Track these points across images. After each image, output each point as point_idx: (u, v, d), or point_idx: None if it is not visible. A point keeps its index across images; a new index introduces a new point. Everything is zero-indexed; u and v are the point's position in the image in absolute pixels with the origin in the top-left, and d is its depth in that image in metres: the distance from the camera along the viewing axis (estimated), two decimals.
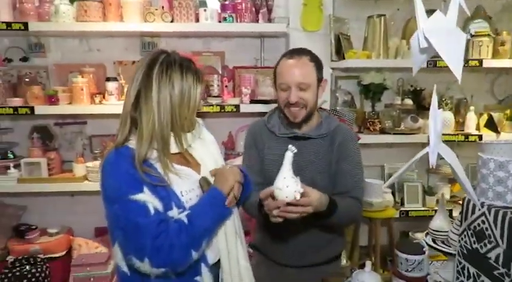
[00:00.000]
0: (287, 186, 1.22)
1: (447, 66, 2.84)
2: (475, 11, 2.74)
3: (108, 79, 2.37)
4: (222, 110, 2.40)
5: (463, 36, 1.03)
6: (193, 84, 1.15)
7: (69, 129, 2.66)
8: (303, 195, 1.23)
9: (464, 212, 1.10)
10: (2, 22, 2.19)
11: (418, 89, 2.76)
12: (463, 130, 2.70)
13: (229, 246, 1.22)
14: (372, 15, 2.57)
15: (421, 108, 2.76)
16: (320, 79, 1.51)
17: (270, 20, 2.44)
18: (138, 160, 1.09)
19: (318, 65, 1.50)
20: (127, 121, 1.15)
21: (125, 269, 1.15)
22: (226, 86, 2.52)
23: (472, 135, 2.63)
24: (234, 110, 2.41)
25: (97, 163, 2.42)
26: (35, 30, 2.24)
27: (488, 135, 2.63)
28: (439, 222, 1.41)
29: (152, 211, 1.06)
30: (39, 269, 2.29)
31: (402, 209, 2.68)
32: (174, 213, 1.12)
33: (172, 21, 2.34)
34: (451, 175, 2.78)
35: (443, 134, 2.61)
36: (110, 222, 1.12)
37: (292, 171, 1.24)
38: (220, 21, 2.38)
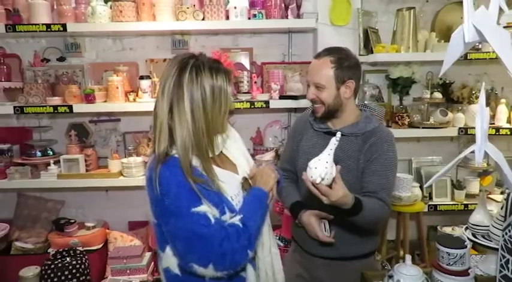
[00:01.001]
0: (315, 167, 1.25)
1: (478, 59, 2.80)
2: (508, 1, 2.68)
3: (141, 77, 2.44)
4: (252, 106, 2.44)
5: (506, 32, 1.04)
6: (224, 86, 1.16)
7: (103, 127, 2.75)
8: (330, 185, 1.26)
9: (510, 207, 1.12)
10: (42, 24, 2.28)
11: (447, 82, 2.73)
12: (493, 123, 2.67)
13: (264, 237, 1.29)
14: (401, 8, 2.55)
15: (451, 101, 2.74)
16: (343, 80, 1.51)
17: (299, 16, 2.46)
18: (186, 172, 1.11)
19: (343, 67, 1.49)
20: (163, 130, 1.14)
21: (177, 271, 1.18)
22: (255, 82, 2.56)
23: (503, 128, 2.60)
24: (264, 106, 2.45)
25: (131, 159, 2.51)
26: (73, 31, 2.32)
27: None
28: (479, 217, 1.42)
29: (213, 220, 1.10)
30: (79, 261, 2.39)
31: (431, 203, 2.68)
32: (226, 217, 1.16)
33: (203, 19, 2.38)
34: (479, 169, 2.77)
35: (471, 127, 2.62)
36: (166, 234, 1.14)
37: (332, 158, 1.26)
38: (249, 18, 2.41)
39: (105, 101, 2.47)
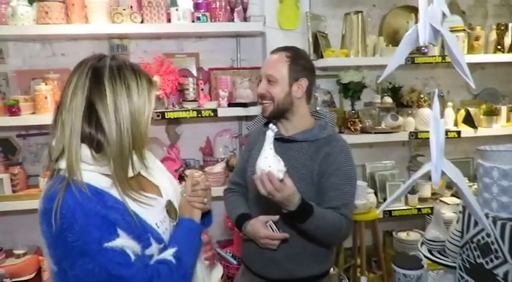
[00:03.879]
0: (269, 166, 1.17)
1: (424, 63, 2.82)
2: (448, 6, 2.73)
3: None
4: (199, 115, 2.28)
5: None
6: (149, 87, 1.01)
7: (33, 141, 2.46)
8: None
9: (466, 224, 1.05)
10: None
11: (396, 86, 2.73)
12: None
13: (197, 271, 1.13)
14: (349, 12, 2.52)
15: (400, 105, 2.74)
16: (296, 78, 1.45)
17: (245, 19, 2.34)
18: (121, 187, 0.94)
19: (298, 64, 1.47)
20: (73, 143, 0.92)
21: None
22: (202, 89, 2.40)
23: (450, 131, 2.63)
24: (212, 114, 2.29)
25: None
26: None
27: (466, 131, 2.64)
28: (434, 232, 1.36)
29: (133, 257, 0.91)
30: None
31: (385, 209, 2.66)
32: (153, 249, 0.98)
33: (142, 22, 2.19)
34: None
35: (421, 131, 2.64)
36: (74, 280, 0.91)
37: (274, 151, 1.19)
38: (193, 21, 2.26)
39: (33, 113, 2.20)
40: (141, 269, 0.92)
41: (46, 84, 2.20)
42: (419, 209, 2.63)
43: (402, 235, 2.70)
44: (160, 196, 1.10)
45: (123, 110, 0.95)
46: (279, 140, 1.46)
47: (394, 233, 2.74)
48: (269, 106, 1.48)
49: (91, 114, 0.94)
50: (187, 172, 2.38)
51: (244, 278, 1.59)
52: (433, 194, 2.74)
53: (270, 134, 1.20)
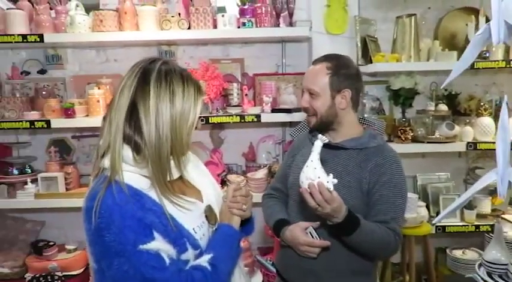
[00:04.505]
0: (318, 177, 1.14)
1: (485, 68, 2.62)
2: None
3: None
4: (242, 120, 2.27)
5: None
6: (195, 95, 1.00)
7: (86, 142, 2.60)
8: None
9: None
10: (18, 35, 2.15)
11: (453, 93, 2.55)
12: None
13: (235, 280, 1.10)
14: (401, 15, 2.39)
15: (457, 113, 2.55)
16: (339, 89, 1.38)
17: (291, 24, 2.31)
18: (160, 189, 0.94)
19: (339, 74, 1.39)
20: (117, 142, 0.94)
21: None
22: (246, 95, 2.40)
23: None
24: (255, 119, 2.28)
25: None
26: (50, 41, 2.20)
27: None
28: (495, 253, 1.21)
29: (167, 261, 0.91)
30: None
31: (438, 224, 2.46)
32: (189, 255, 0.97)
33: (189, 28, 2.24)
34: (491, 186, 2.56)
35: (481, 142, 2.43)
36: (111, 279, 0.93)
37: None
38: (239, 27, 2.27)
39: (87, 115, 2.32)
40: (175, 273, 0.91)
41: (99, 88, 2.32)
42: (477, 226, 2.41)
43: (457, 253, 2.49)
44: (200, 201, 1.09)
45: (164, 115, 0.95)
46: (325, 146, 1.39)
47: (448, 251, 2.53)
48: (312, 118, 1.44)
49: (132, 115, 0.95)
50: (229, 177, 2.38)
51: None
52: (493, 210, 2.51)
53: (318, 144, 1.17)
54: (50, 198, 2.33)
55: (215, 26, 2.26)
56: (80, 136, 2.59)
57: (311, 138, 1.50)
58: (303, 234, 1.33)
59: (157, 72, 0.97)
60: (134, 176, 0.96)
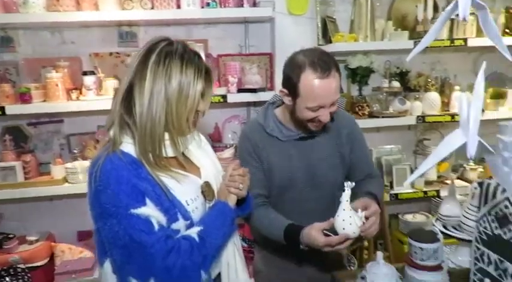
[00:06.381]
0: (350, 223, 1.24)
1: (432, 47, 2.82)
2: None
3: (84, 73, 2.21)
4: None
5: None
6: (194, 80, 1.02)
7: (44, 129, 2.48)
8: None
9: (484, 197, 1.08)
10: None
11: (404, 71, 2.74)
12: (448, 110, 2.72)
13: (229, 257, 1.15)
14: None
15: (408, 90, 2.75)
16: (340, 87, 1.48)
17: (254, 4, 2.34)
18: (145, 161, 0.99)
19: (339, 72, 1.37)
20: (116, 118, 1.03)
21: None
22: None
23: (458, 115, 2.64)
24: (221, 100, 2.31)
25: (76, 164, 2.27)
26: (1, 22, 2.06)
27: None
28: (449, 207, 1.39)
29: (156, 227, 0.96)
30: (20, 280, 2.14)
31: (392, 192, 2.68)
32: (180, 225, 1.02)
33: (152, 8, 2.19)
34: None
35: (429, 115, 2.65)
36: (104, 240, 0.99)
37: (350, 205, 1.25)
38: (203, 7, 2.26)
39: (44, 101, 2.21)
40: (161, 239, 0.95)
41: (56, 72, 2.22)
42: (425, 192, 2.66)
43: (408, 217, 2.74)
44: (198, 176, 1.13)
45: (159, 97, 0.99)
46: (300, 139, 1.46)
47: (400, 216, 2.78)
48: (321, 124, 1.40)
49: (128, 95, 1.02)
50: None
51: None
52: (438, 177, 2.78)
53: (347, 193, 1.23)
54: (8, 189, 2.21)
55: (179, 6, 2.23)
56: (36, 123, 2.46)
57: (276, 133, 1.45)
58: (320, 235, 1.27)
59: (157, 54, 1.00)
60: (134, 147, 1.02)
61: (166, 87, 0.99)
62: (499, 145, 1.05)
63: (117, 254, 0.97)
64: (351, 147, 1.51)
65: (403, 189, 2.69)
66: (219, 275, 1.16)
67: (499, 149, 1.03)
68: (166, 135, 1.04)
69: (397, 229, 2.86)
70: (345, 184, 1.23)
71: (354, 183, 1.24)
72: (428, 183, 2.72)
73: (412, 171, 2.77)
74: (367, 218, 1.29)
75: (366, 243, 2.64)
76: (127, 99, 1.02)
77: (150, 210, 0.96)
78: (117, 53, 2.45)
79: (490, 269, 1.07)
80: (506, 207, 1.01)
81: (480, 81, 0.78)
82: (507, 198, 1.00)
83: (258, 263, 1.61)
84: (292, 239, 1.33)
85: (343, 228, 1.24)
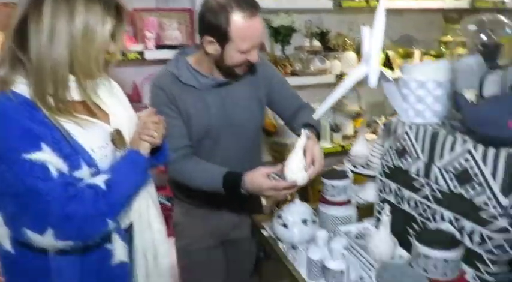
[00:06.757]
0: (300, 170, 1.26)
1: (350, 7, 2.92)
2: None
3: None
4: (124, 58, 2.14)
5: None
6: (102, 18, 0.93)
7: None
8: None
9: (386, 134, 1.16)
10: None
11: (324, 31, 2.81)
12: None
13: (141, 208, 1.09)
14: None
15: (328, 49, 2.84)
16: None
17: None
18: (44, 107, 0.90)
19: None
20: (8, 56, 0.92)
21: (8, 246, 0.97)
22: (126, 31, 2.25)
23: None
24: (139, 57, 2.18)
25: None
26: None
27: (386, 72, 2.84)
28: (359, 148, 1.48)
29: (54, 173, 0.88)
30: None
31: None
32: (84, 173, 0.95)
33: None
34: (352, 112, 3.00)
35: (347, 74, 2.78)
36: None
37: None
38: None
39: None
40: (60, 185, 0.89)
41: None
42: (342, 147, 2.82)
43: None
44: (107, 123, 1.05)
45: (61, 34, 0.89)
46: (215, 86, 1.42)
47: None
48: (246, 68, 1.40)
49: (23, 25, 0.90)
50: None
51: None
52: (355, 132, 2.96)
53: (303, 140, 1.26)
54: None
55: None
56: None
57: (192, 82, 1.40)
58: (265, 179, 1.26)
59: None
60: (28, 88, 0.92)
61: (69, 25, 0.90)
62: (399, 83, 1.13)
63: (8, 204, 0.89)
64: (270, 87, 1.51)
65: (322, 143, 2.81)
66: (131, 225, 1.11)
67: (399, 87, 1.11)
68: (72, 77, 0.95)
69: (317, 181, 3.02)
70: (302, 131, 1.25)
71: (310, 133, 1.29)
72: (345, 137, 2.89)
73: (331, 128, 2.92)
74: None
75: (288, 197, 2.76)
76: (20, 32, 0.90)
77: (46, 156, 0.88)
78: (13, 3, 2.17)
79: (391, 198, 1.17)
80: (404, 140, 1.10)
81: (380, 18, 0.81)
82: (406, 132, 1.08)
83: (177, 217, 1.60)
84: (232, 186, 1.31)
85: (294, 174, 1.24)
